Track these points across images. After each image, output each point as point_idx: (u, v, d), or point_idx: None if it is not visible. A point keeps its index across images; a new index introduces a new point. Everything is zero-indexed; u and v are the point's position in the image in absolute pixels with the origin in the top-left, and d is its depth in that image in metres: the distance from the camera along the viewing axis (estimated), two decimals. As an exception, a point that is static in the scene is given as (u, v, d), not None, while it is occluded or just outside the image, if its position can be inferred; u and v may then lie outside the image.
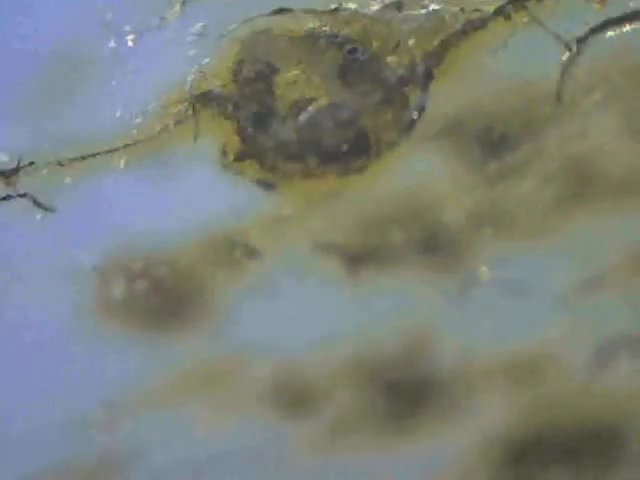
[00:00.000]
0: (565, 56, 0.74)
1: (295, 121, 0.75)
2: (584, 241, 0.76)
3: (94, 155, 0.75)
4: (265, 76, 0.74)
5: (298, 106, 0.74)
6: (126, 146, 0.75)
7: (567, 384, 0.77)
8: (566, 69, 0.74)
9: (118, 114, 0.75)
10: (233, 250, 0.75)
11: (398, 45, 0.73)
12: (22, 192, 0.74)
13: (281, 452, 0.77)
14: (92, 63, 0.75)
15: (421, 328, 0.77)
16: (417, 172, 0.75)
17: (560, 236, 0.76)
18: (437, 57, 0.73)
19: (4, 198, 0.75)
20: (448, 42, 0.73)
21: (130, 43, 0.74)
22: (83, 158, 0.75)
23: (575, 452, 0.78)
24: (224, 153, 0.75)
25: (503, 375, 0.77)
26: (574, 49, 0.74)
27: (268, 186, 0.75)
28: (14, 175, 0.75)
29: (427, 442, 0.77)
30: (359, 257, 0.76)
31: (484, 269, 0.76)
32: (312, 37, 0.74)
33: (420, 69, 0.74)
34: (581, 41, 0.74)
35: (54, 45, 0.74)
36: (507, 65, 0.74)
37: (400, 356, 0.76)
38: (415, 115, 0.74)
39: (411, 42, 0.73)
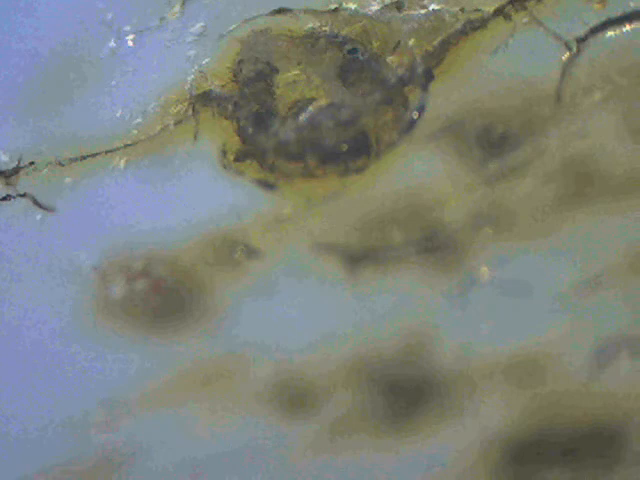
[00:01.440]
0: (565, 56, 0.75)
1: (295, 121, 0.75)
2: (584, 241, 0.76)
3: (94, 155, 0.75)
4: (265, 76, 0.75)
5: (298, 106, 0.75)
6: (126, 146, 0.75)
7: (567, 384, 0.77)
8: (566, 69, 0.75)
9: (118, 114, 0.75)
10: (233, 250, 0.76)
11: (398, 45, 0.73)
12: (22, 192, 0.75)
13: (281, 452, 0.77)
14: (92, 63, 0.75)
15: (421, 328, 0.77)
16: (417, 172, 0.75)
17: (560, 236, 0.76)
18: (437, 57, 0.74)
19: (4, 198, 0.75)
20: (448, 42, 0.74)
21: (130, 43, 0.75)
22: (83, 158, 0.75)
23: (575, 452, 0.79)
24: (224, 153, 0.75)
25: (503, 375, 0.77)
26: (574, 49, 0.74)
27: (268, 186, 0.75)
28: (14, 175, 0.76)
29: (427, 442, 0.77)
30: (359, 257, 0.76)
31: (484, 269, 0.76)
32: (312, 37, 0.74)
33: (420, 69, 0.74)
34: (581, 41, 0.74)
35: (54, 45, 0.75)
36: (507, 65, 0.74)
37: (400, 356, 0.77)
38: (415, 115, 0.74)
39: (411, 42, 0.74)
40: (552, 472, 0.79)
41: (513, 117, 0.75)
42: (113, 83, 0.75)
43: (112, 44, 0.75)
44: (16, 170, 0.75)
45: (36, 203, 0.75)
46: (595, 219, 0.75)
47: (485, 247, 0.76)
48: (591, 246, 0.76)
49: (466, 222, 0.76)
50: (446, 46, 0.74)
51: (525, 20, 0.74)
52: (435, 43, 0.73)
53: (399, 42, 0.73)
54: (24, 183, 0.74)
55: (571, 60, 0.75)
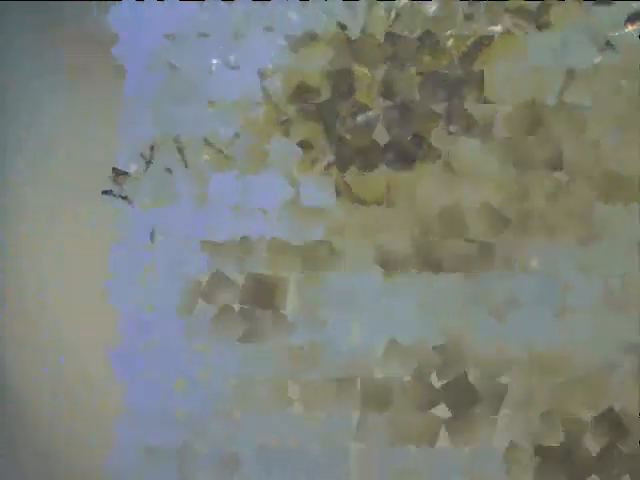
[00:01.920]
0: (587, 56, 0.76)
1: (353, 121, 0.77)
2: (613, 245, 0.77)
3: (198, 160, 0.78)
4: (347, 78, 0.78)
5: (358, 106, 0.77)
6: (222, 151, 0.78)
7: (591, 387, 0.76)
8: (586, 69, 0.76)
9: (221, 120, 0.79)
10: (313, 254, 0.78)
11: (437, 44, 0.77)
12: (124, 194, 0.79)
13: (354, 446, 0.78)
14: (199, 72, 0.79)
15: (462, 332, 0.77)
16: (461, 174, 0.77)
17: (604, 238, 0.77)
18: (471, 56, 0.76)
19: (105, 192, 0.79)
20: (480, 43, 0.77)
21: (228, 52, 0.79)
22: (194, 162, 0.79)
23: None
24: (308, 155, 0.78)
25: (536, 378, 0.77)
26: (597, 49, 0.76)
27: (338, 189, 0.78)
28: (123, 175, 0.79)
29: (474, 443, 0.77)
30: (415, 258, 0.77)
31: (524, 268, 0.77)
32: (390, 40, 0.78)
33: (461, 74, 0.77)
34: (604, 41, 0.76)
35: (172, 54, 0.79)
36: (537, 66, 0.77)
37: (449, 357, 0.77)
38: (456, 118, 0.77)
39: (450, 42, 0.77)
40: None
41: (545, 116, 0.77)
42: (218, 88, 0.79)
43: (216, 53, 0.79)
44: (125, 172, 0.79)
45: (132, 205, 0.79)
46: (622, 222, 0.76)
47: (522, 249, 0.77)
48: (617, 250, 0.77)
49: (504, 224, 0.77)
50: (478, 47, 0.76)
51: (552, 23, 0.77)
52: (468, 43, 0.76)
53: (438, 42, 0.77)
54: (133, 186, 0.79)
55: (591, 60, 0.76)
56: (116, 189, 0.79)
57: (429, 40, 0.77)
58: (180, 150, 0.79)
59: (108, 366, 0.79)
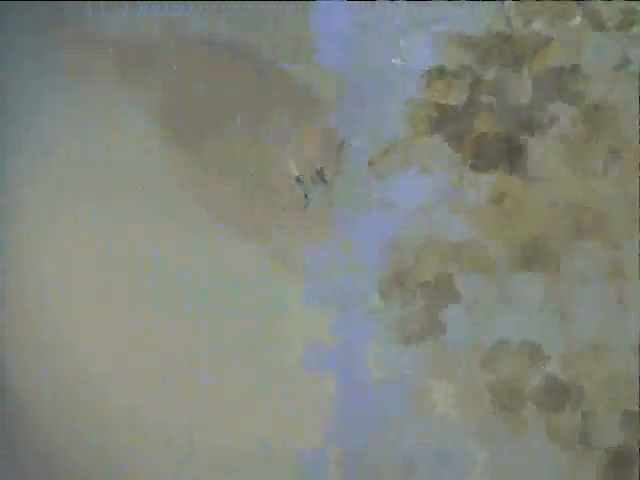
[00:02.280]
0: None
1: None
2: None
3: (379, 161, 0.80)
4: (473, 77, 0.80)
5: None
6: (387, 151, 0.80)
7: None
8: None
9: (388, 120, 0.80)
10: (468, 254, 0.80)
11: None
12: (306, 193, 0.81)
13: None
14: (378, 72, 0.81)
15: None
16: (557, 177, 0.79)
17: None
18: (529, 57, 0.79)
19: (297, 178, 0.81)
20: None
21: (393, 52, 0.81)
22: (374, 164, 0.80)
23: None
24: (461, 155, 0.80)
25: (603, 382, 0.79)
26: None
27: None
28: (320, 177, 0.81)
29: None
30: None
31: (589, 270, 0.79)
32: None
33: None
34: None
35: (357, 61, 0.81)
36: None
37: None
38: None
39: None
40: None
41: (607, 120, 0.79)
42: (388, 91, 0.81)
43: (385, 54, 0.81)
44: (324, 179, 0.81)
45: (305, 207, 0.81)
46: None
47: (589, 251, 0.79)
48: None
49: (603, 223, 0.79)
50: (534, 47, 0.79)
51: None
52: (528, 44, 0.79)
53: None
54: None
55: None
56: (306, 185, 0.81)
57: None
58: (363, 153, 0.81)
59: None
